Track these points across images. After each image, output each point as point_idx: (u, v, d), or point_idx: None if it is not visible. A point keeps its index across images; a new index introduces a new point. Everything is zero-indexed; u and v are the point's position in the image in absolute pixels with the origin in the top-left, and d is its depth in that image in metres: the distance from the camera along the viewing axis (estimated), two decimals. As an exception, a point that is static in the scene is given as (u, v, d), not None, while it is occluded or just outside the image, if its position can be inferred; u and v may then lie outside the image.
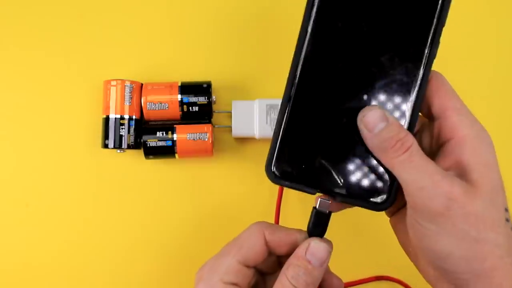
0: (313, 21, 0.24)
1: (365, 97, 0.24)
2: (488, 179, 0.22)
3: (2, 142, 0.41)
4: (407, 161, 0.22)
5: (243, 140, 0.42)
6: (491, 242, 0.22)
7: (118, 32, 0.42)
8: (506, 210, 0.23)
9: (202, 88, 0.39)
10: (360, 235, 0.42)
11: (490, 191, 0.22)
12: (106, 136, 0.39)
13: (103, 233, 0.41)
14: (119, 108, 0.39)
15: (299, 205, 0.41)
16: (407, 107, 0.24)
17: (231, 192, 0.42)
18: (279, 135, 0.24)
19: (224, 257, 0.26)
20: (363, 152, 0.24)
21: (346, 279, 0.40)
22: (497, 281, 0.22)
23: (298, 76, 0.24)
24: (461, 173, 0.23)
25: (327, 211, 0.25)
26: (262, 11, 0.43)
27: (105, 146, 0.39)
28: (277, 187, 0.37)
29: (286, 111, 0.24)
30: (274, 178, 0.25)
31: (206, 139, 0.39)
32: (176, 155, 0.39)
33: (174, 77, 0.41)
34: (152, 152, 0.39)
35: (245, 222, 0.42)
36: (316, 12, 0.24)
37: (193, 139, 0.39)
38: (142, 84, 0.40)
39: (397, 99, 0.24)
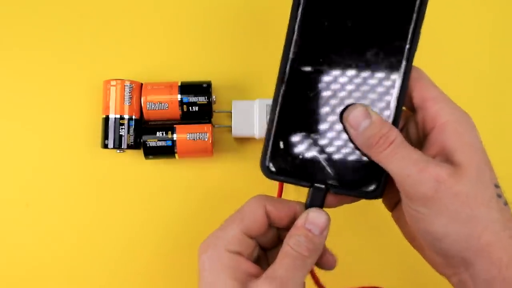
0: (300, 20, 0.25)
1: (351, 92, 0.25)
2: (473, 159, 0.23)
3: (2, 142, 0.41)
4: (391, 154, 0.23)
5: (243, 140, 0.42)
6: (484, 218, 0.22)
7: (118, 32, 0.42)
8: (497, 186, 0.24)
9: (202, 88, 0.39)
10: (358, 245, 0.42)
11: (476, 169, 0.23)
12: (106, 136, 0.39)
13: (103, 233, 0.41)
14: (119, 108, 0.39)
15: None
16: (391, 101, 0.25)
17: (231, 192, 0.42)
18: (272, 131, 0.25)
19: (227, 228, 0.26)
20: (353, 144, 0.25)
21: (341, 287, 0.40)
22: (496, 255, 0.22)
23: (287, 73, 0.25)
24: (447, 158, 0.23)
25: (324, 186, 0.25)
26: (262, 11, 0.43)
27: (105, 146, 0.39)
28: (276, 186, 0.37)
29: (277, 108, 0.26)
30: (269, 173, 0.26)
31: (206, 139, 0.39)
32: (176, 155, 0.39)
33: (174, 77, 0.41)
34: (152, 152, 0.39)
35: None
36: (302, 11, 0.25)
37: (193, 139, 0.39)
38: (142, 84, 0.40)
39: (382, 94, 0.25)
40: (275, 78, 0.26)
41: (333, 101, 0.25)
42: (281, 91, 0.25)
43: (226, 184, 0.42)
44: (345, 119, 0.25)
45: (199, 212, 0.42)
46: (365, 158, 0.25)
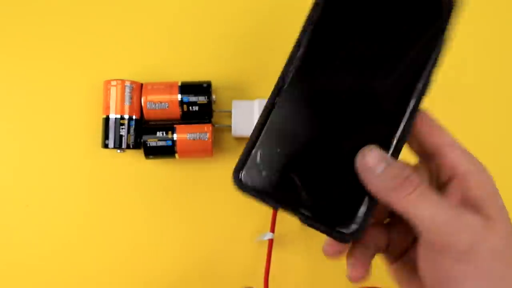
0: (309, 38, 0.23)
1: (350, 121, 0.23)
2: (502, 212, 0.21)
3: (2, 142, 0.41)
4: (420, 197, 0.21)
5: (243, 140, 0.42)
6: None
7: (118, 32, 0.42)
8: None
9: (202, 88, 0.39)
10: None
11: (505, 223, 0.21)
12: (106, 136, 0.39)
13: (103, 233, 0.41)
14: (119, 108, 0.39)
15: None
16: (393, 141, 0.22)
17: (231, 192, 0.42)
18: (254, 141, 0.23)
19: None
20: (338, 177, 0.22)
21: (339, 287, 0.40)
22: None
23: (285, 86, 0.23)
24: (472, 209, 0.21)
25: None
26: (262, 11, 0.43)
27: (105, 146, 0.39)
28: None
29: (268, 117, 0.23)
30: (240, 185, 0.23)
31: (206, 139, 0.39)
32: (176, 155, 0.39)
33: (174, 77, 0.41)
34: (152, 152, 0.39)
35: (245, 221, 0.42)
36: (314, 29, 0.23)
37: (193, 139, 0.39)
38: (142, 84, 0.40)
39: (384, 131, 0.23)
40: (275, 78, 0.25)
41: (329, 126, 0.23)
42: (275, 101, 0.23)
43: (226, 184, 0.42)
44: (361, 162, 0.21)
45: (199, 211, 0.42)
46: (350, 196, 0.22)
